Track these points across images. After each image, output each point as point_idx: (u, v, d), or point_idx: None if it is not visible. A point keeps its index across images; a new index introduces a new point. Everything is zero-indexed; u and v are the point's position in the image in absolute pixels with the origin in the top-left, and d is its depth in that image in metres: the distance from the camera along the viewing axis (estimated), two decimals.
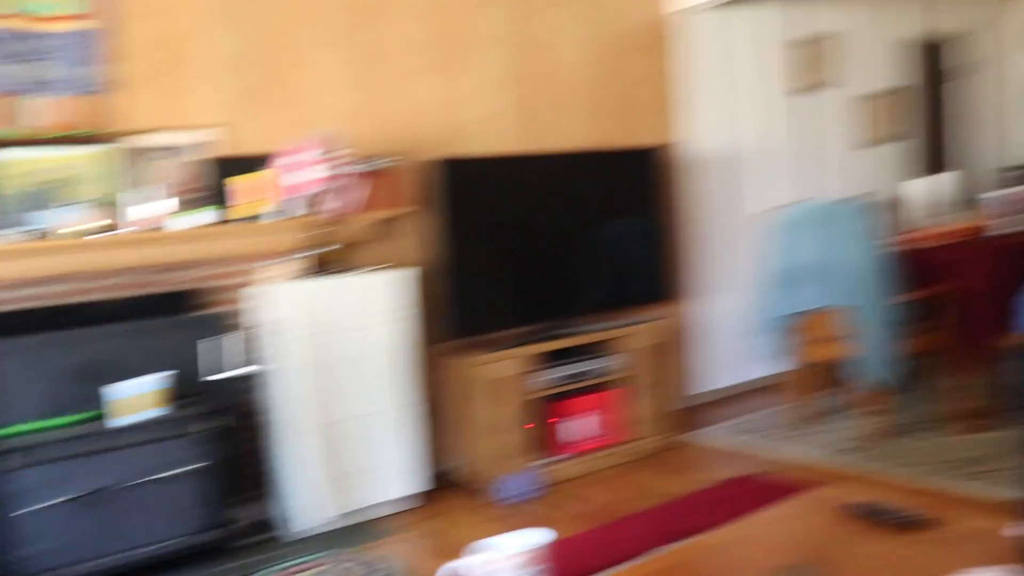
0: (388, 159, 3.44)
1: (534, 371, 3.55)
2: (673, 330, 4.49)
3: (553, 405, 3.68)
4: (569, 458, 3.63)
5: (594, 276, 3.92)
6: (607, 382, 3.75)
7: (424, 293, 3.57)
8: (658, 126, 4.46)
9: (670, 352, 4.46)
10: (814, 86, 5.17)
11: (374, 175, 3.37)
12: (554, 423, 3.68)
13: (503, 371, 3.46)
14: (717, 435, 3.95)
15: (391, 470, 3.26)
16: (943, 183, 4.83)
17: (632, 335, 3.78)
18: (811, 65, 5.14)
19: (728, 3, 4.70)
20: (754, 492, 3.09)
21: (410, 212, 3.57)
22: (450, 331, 3.54)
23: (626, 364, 3.76)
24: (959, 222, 4.35)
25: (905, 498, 2.81)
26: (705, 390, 4.65)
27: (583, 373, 3.67)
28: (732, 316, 4.64)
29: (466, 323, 3.54)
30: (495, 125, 3.93)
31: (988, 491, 2.88)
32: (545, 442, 3.66)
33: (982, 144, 6.27)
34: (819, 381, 4.53)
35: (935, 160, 5.80)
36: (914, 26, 5.82)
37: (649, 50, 4.45)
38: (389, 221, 3.54)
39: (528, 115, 4.04)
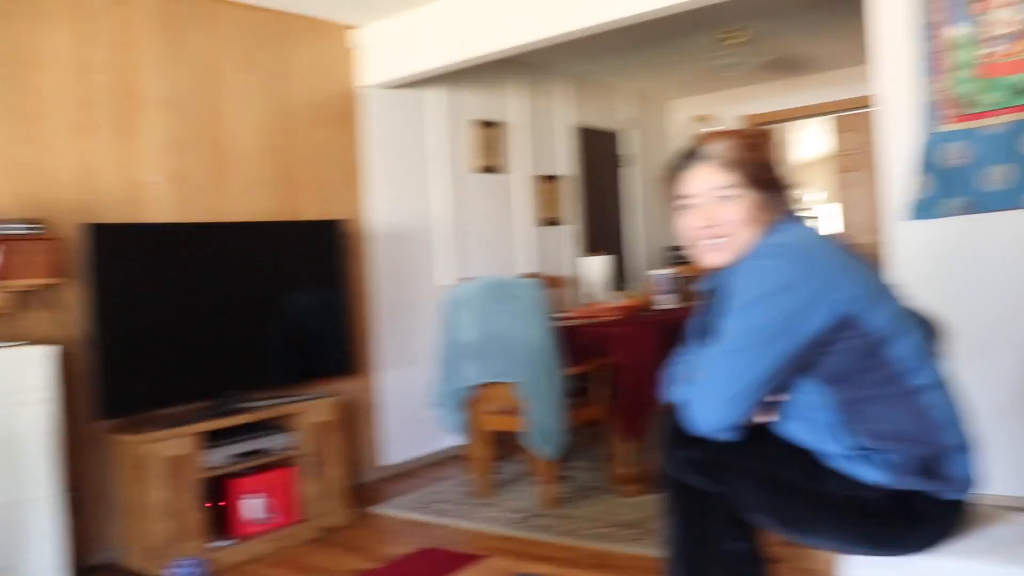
0: (28, 225, 3.07)
1: (206, 449, 3.30)
2: (356, 404, 4.43)
3: (228, 484, 3.44)
4: (247, 539, 3.40)
5: (273, 349, 3.76)
6: (285, 459, 3.59)
7: (73, 369, 3.22)
8: (345, 199, 4.45)
9: (353, 426, 4.39)
10: (497, 166, 5.47)
11: (9, 241, 2.99)
12: (230, 504, 3.44)
13: (173, 450, 3.18)
14: (400, 509, 3.91)
15: (35, 565, 2.83)
16: (612, 262, 5.30)
17: (312, 409, 3.66)
18: (493, 147, 5.45)
19: (416, 83, 4.86)
20: (433, 565, 3.07)
21: (55, 283, 3.20)
22: (100, 409, 3.20)
23: (306, 440, 3.62)
24: (627, 298, 4.74)
25: (571, 564, 2.98)
26: (389, 463, 4.61)
27: (260, 450, 3.48)
28: (416, 389, 4.68)
29: (117, 400, 3.21)
30: (163, 191, 3.69)
31: (646, 551, 3.10)
32: (220, 524, 3.41)
33: (649, 225, 6.98)
34: (497, 452, 4.69)
35: (608, 239, 6.37)
36: (590, 116, 6.40)
37: (338, 122, 4.45)
38: (29, 292, 3.16)
39: (203, 182, 3.83)
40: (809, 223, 1.76)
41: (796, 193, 1.80)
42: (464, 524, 3.62)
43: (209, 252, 3.57)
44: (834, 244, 1.70)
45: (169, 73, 3.75)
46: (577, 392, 3.89)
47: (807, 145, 10.69)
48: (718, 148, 1.76)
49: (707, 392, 1.61)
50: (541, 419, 3.57)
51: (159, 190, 3.67)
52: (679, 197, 1.80)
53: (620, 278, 5.75)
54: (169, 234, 3.48)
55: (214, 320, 3.55)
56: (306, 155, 4.27)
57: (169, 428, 3.22)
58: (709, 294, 1.88)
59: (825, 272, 1.58)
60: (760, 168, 1.73)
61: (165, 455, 3.17)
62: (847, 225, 7.64)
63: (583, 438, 4.91)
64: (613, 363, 3.77)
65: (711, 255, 1.77)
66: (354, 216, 4.49)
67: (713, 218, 1.74)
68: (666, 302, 4.68)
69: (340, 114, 4.47)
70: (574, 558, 3.13)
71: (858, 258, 1.70)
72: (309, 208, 4.25)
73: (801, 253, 1.60)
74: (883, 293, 1.63)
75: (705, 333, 1.77)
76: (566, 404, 3.71)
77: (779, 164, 1.79)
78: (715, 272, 1.87)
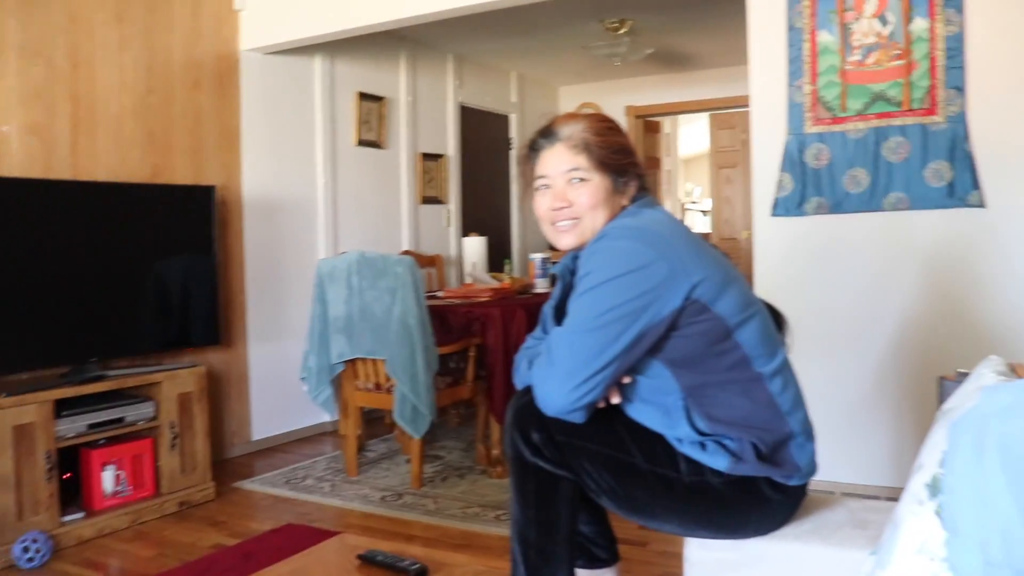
0: None
1: (60, 418, 3.11)
2: (225, 375, 4.29)
3: (83, 455, 3.26)
4: (102, 513, 3.23)
5: (139, 316, 3.58)
6: (146, 430, 3.43)
7: None
8: (222, 165, 4.27)
9: (220, 398, 4.26)
10: (379, 141, 5.38)
11: None
12: (84, 476, 3.26)
13: (21, 417, 2.98)
14: (267, 485, 3.81)
15: None
16: (493, 244, 5.30)
17: (176, 379, 3.51)
18: (377, 121, 5.35)
19: (299, 50, 4.70)
20: (291, 541, 2.99)
21: None
22: None
23: (168, 410, 3.47)
24: (505, 280, 4.75)
25: (432, 543, 2.96)
26: (259, 438, 4.49)
27: (118, 420, 3.31)
28: (289, 363, 4.57)
29: None
30: (18, 144, 3.44)
31: (503, 531, 3.11)
32: (74, 497, 3.23)
33: (532, 208, 7.00)
34: (367, 430, 4.64)
35: (491, 221, 6.36)
36: (478, 97, 6.36)
37: (218, 85, 4.26)
38: None
39: (63, 137, 3.60)
40: (661, 207, 1.78)
41: (648, 179, 1.81)
42: (330, 501, 3.55)
43: (71, 211, 3.36)
44: (686, 229, 1.72)
45: (27, 17, 3.49)
46: (449, 372, 3.88)
47: (691, 141, 11.00)
48: (568, 130, 1.75)
49: (556, 372, 1.60)
50: (410, 398, 3.53)
51: (11, 142, 3.42)
52: (535, 177, 1.80)
53: (500, 260, 5.77)
54: (23, 189, 3.25)
55: (76, 283, 3.35)
56: (182, 117, 4.08)
57: (19, 395, 3.02)
58: (562, 276, 1.88)
59: (678, 254, 1.59)
60: (610, 152, 1.73)
61: (12, 423, 2.97)
62: (722, 220, 7.88)
63: (454, 418, 4.92)
64: (484, 344, 3.76)
65: (563, 237, 1.78)
66: (230, 184, 4.33)
67: (564, 199, 1.75)
68: (545, 285, 4.71)
69: (221, 77, 4.28)
70: (435, 537, 3.11)
71: (708, 245, 1.72)
72: (182, 172, 4.07)
73: (654, 235, 1.60)
74: (733, 279, 1.66)
75: (559, 315, 1.77)
76: (437, 384, 3.69)
77: (630, 150, 1.78)
78: (568, 255, 1.87)
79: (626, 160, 1.75)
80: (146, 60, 3.93)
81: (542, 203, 1.78)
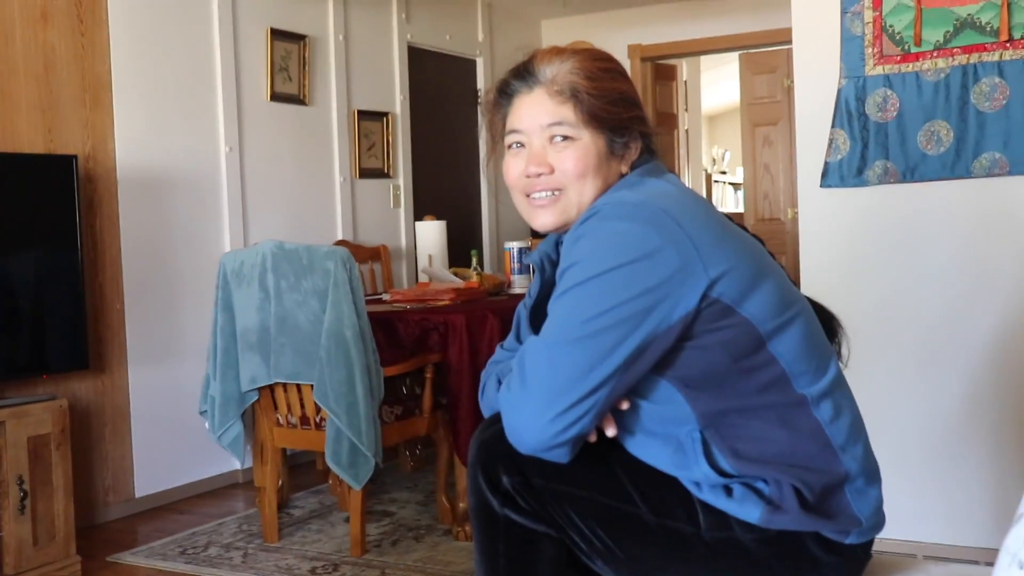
0: None
1: None
2: (95, 410, 4.25)
3: None
4: None
5: None
6: None
7: None
8: (84, 127, 4.23)
9: (88, 442, 4.22)
10: (301, 95, 5.35)
11: None
12: None
13: None
14: (154, 557, 3.78)
15: None
16: (454, 230, 5.28)
17: (23, 418, 3.46)
18: (296, 68, 5.32)
19: None
20: None
21: None
22: None
23: (12, 461, 3.42)
24: (471, 277, 4.73)
25: None
26: (144, 494, 4.46)
27: None
28: (185, 392, 4.54)
29: None
30: None
31: None
32: None
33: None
34: (291, 479, 4.61)
35: (451, 200, 6.35)
36: (432, 36, 6.35)
37: (74, 17, 4.21)
38: None
39: None
40: (671, 176, 1.76)
41: (655, 139, 1.80)
42: None
43: None
44: (705, 204, 1.71)
45: None
46: (399, 400, 3.86)
47: (716, 90, 11.06)
48: (552, 70, 1.73)
49: (531, 397, 1.58)
50: (348, 435, 3.51)
51: None
52: (505, 132, 1.79)
53: (465, 251, 5.75)
54: None
55: None
56: (25, 61, 4.03)
57: None
58: (541, 268, 1.87)
59: (694, 239, 1.57)
60: (606, 102, 1.71)
61: None
62: (760, 195, 7.92)
63: (407, 461, 4.90)
64: (446, 361, 3.75)
65: (539, 214, 1.76)
66: (98, 153, 4.29)
67: (542, 163, 1.73)
68: (524, 283, 4.71)
69: (79, 6, 4.24)
70: None
71: (737, 227, 1.71)
72: (29, 137, 4.02)
73: (660, 213, 1.58)
74: (767, 272, 1.65)
75: (537, 319, 1.75)
76: (383, 415, 3.67)
77: (634, 100, 1.76)
78: (549, 239, 1.85)
79: (628, 113, 1.74)
80: None
81: (514, 167, 1.77)
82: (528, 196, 1.76)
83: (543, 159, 1.73)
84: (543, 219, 1.76)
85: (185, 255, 4.68)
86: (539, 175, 1.73)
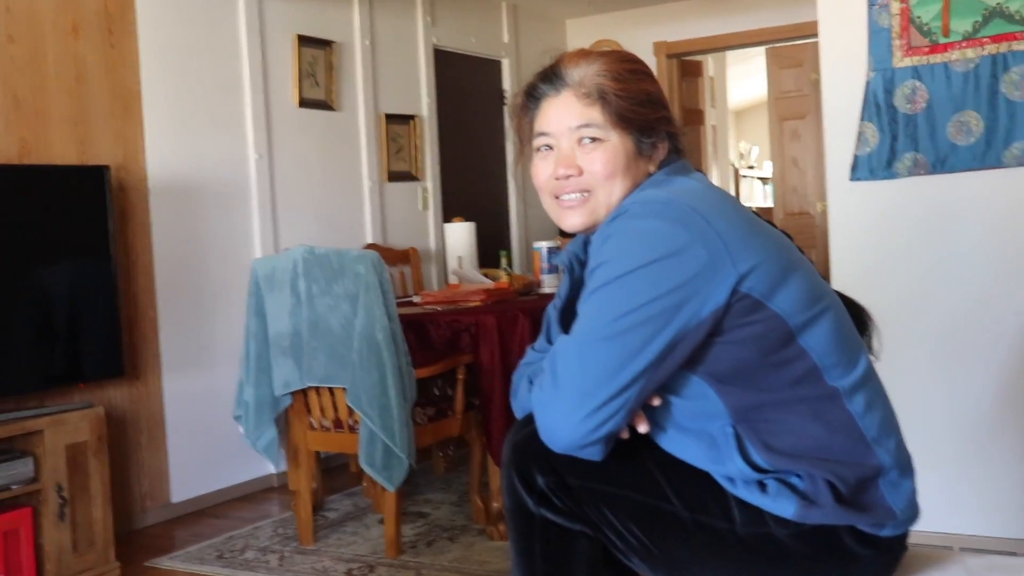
0: None
1: None
2: (131, 418, 4.29)
3: None
4: None
5: (10, 343, 3.57)
6: (19, 496, 3.42)
7: None
8: (116, 137, 4.27)
9: (125, 449, 4.25)
10: (329, 101, 5.38)
11: None
12: None
13: None
14: (192, 561, 3.81)
15: None
16: (483, 231, 5.29)
17: (62, 426, 3.50)
18: (324, 74, 5.35)
19: None
20: None
21: None
22: None
23: (51, 469, 3.46)
24: (501, 278, 4.74)
25: None
26: (180, 499, 4.49)
27: None
28: (219, 398, 4.57)
29: None
30: None
31: None
32: None
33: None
34: (326, 482, 4.64)
35: (479, 202, 6.36)
36: (459, 39, 6.36)
37: (106, 29, 4.26)
38: None
39: None
40: (698, 174, 1.77)
41: (682, 139, 1.81)
42: None
43: None
44: (732, 201, 1.71)
45: None
46: (431, 401, 3.87)
47: (743, 86, 11.01)
48: (579, 73, 1.75)
49: (563, 396, 1.59)
50: (381, 437, 3.53)
51: None
52: (534, 135, 1.80)
53: (495, 252, 5.76)
54: None
55: None
56: (58, 74, 4.07)
57: None
58: (570, 268, 1.88)
59: (722, 235, 1.57)
60: (634, 104, 1.72)
61: None
62: (789, 189, 7.88)
63: (441, 462, 4.91)
64: (477, 363, 3.76)
65: (568, 215, 1.77)
66: (130, 163, 4.33)
67: (571, 165, 1.74)
68: (554, 283, 4.71)
69: (109, 18, 4.28)
70: None
71: (764, 222, 1.71)
72: (62, 149, 4.06)
73: (688, 211, 1.59)
74: (796, 265, 1.65)
75: (567, 319, 1.76)
76: (416, 417, 3.68)
77: (661, 101, 1.77)
78: (577, 239, 1.86)
79: (655, 114, 1.75)
80: None
81: (543, 170, 1.78)
82: (557, 198, 1.77)
83: (572, 161, 1.74)
84: (572, 220, 1.77)
85: (217, 262, 4.71)
86: (568, 177, 1.74)
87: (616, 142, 1.72)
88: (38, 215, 3.70)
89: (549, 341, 1.89)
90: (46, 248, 3.72)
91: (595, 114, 1.72)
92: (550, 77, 1.77)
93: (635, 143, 1.73)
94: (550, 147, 1.77)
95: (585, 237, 1.83)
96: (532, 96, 1.80)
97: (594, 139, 1.72)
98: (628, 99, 1.72)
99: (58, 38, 4.08)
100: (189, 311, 4.56)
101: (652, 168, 1.76)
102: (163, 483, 4.44)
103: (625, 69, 1.75)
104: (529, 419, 1.73)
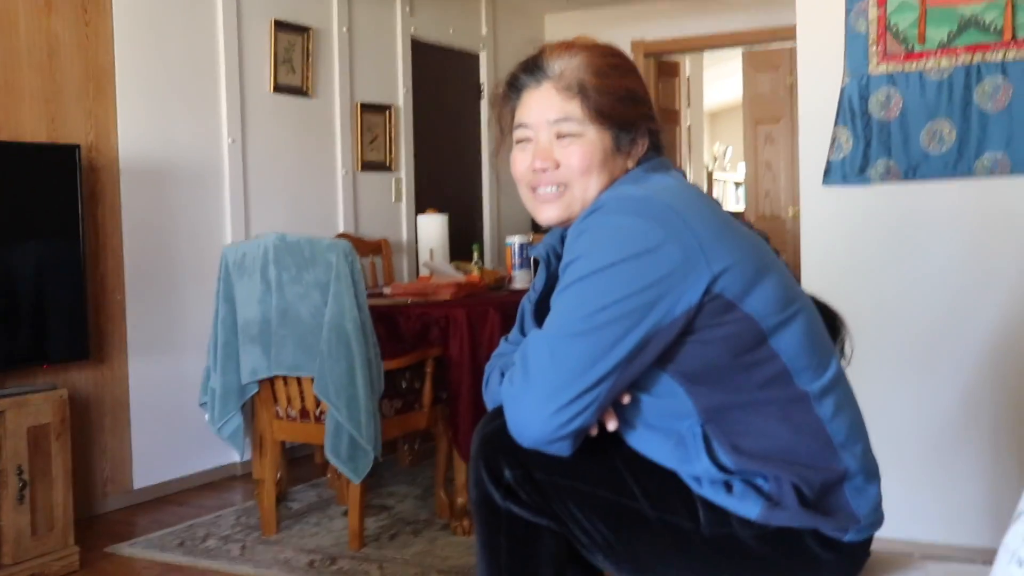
0: None
1: None
2: (95, 401, 4.25)
3: None
4: None
5: None
6: None
7: None
8: (87, 116, 4.23)
9: (88, 433, 4.22)
10: (304, 87, 5.35)
11: None
12: None
13: None
14: (153, 548, 3.78)
15: None
16: (456, 223, 5.28)
17: (23, 408, 3.46)
18: (299, 60, 5.32)
19: None
20: None
21: None
22: None
23: (11, 451, 3.42)
24: (472, 272, 4.74)
25: None
26: (143, 485, 4.46)
27: None
28: (185, 383, 4.54)
29: None
30: None
31: None
32: None
33: (510, 176, 7.00)
34: (290, 471, 4.62)
35: (454, 193, 6.35)
36: (436, 30, 6.34)
37: (78, 5, 4.21)
38: None
39: None
40: (675, 171, 1.77)
41: (662, 135, 1.81)
42: (240, 569, 3.53)
43: None
44: (708, 200, 1.71)
45: None
46: (399, 394, 3.86)
47: (719, 87, 11.04)
48: (560, 65, 1.74)
49: (533, 390, 1.59)
50: (347, 428, 3.52)
51: None
52: (513, 126, 1.80)
53: (467, 245, 5.76)
54: None
55: None
56: (29, 50, 4.03)
57: None
58: (546, 261, 1.88)
59: (697, 234, 1.58)
60: (614, 99, 1.72)
61: None
62: (761, 193, 7.91)
63: (406, 455, 4.91)
64: (446, 356, 3.76)
65: (544, 208, 1.78)
66: (101, 143, 4.29)
67: (548, 158, 1.74)
68: (525, 279, 4.71)
69: None
70: None
71: (738, 223, 1.72)
72: (32, 126, 4.02)
73: (664, 208, 1.59)
74: (769, 267, 1.65)
75: (542, 313, 1.76)
76: (383, 409, 3.68)
77: (642, 97, 1.77)
78: (554, 232, 1.86)
79: (635, 111, 1.75)
80: None
81: (520, 161, 1.79)
82: (534, 190, 1.78)
83: (549, 154, 1.74)
84: (547, 213, 1.77)
85: (187, 246, 4.68)
86: (544, 170, 1.74)
87: (594, 137, 1.72)
88: (6, 193, 3.67)
89: (523, 333, 1.90)
90: (13, 227, 3.68)
91: (574, 108, 1.72)
92: (532, 68, 1.77)
93: (613, 139, 1.73)
94: (528, 139, 1.77)
95: (562, 230, 1.83)
96: (513, 86, 1.80)
97: (572, 134, 1.72)
98: (608, 95, 1.72)
99: (31, 14, 4.04)
100: (157, 295, 4.53)
101: (630, 164, 1.77)
102: (126, 468, 4.41)
103: (607, 64, 1.75)
104: (498, 412, 1.73)
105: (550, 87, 1.74)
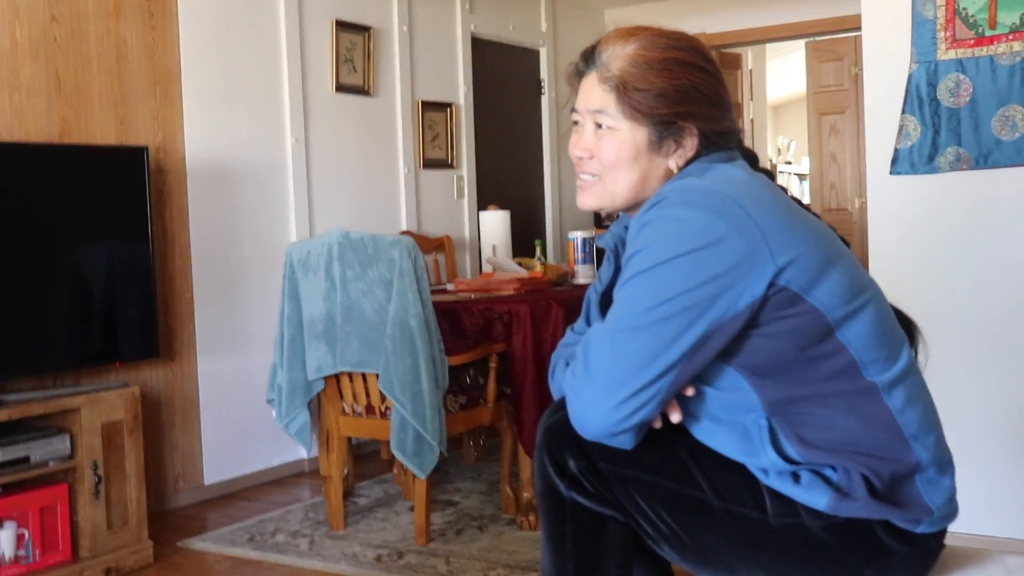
0: None
1: None
2: (166, 399, 4.31)
3: None
4: None
5: (48, 322, 3.60)
6: (56, 473, 3.45)
7: None
8: (155, 119, 4.29)
9: (159, 430, 4.28)
10: (366, 86, 5.38)
11: None
12: None
13: None
14: (223, 543, 3.82)
15: None
16: (518, 219, 5.28)
17: (98, 405, 3.52)
18: (361, 59, 5.35)
19: None
20: None
21: None
22: None
23: (87, 447, 3.48)
24: (536, 267, 4.73)
25: None
26: (213, 481, 4.52)
27: (17, 460, 3.32)
28: (252, 381, 4.59)
29: None
30: None
31: None
32: None
33: (571, 172, 6.99)
34: (357, 467, 4.65)
35: (516, 190, 6.35)
36: (496, 26, 6.35)
37: (146, 10, 4.27)
38: None
39: None
40: (741, 162, 1.74)
41: (733, 126, 1.77)
42: (309, 563, 3.56)
43: None
44: (774, 191, 1.69)
45: None
46: (463, 389, 3.87)
47: (782, 79, 10.92)
48: (608, 54, 1.73)
49: (595, 383, 1.58)
50: (413, 424, 3.53)
51: None
52: (571, 109, 1.81)
53: (529, 241, 5.75)
54: None
55: None
56: (99, 55, 4.10)
57: None
58: (612, 250, 1.87)
59: (761, 226, 1.55)
60: (650, 96, 1.68)
61: None
62: (827, 185, 7.82)
63: (471, 451, 4.91)
64: (510, 351, 3.75)
65: (580, 194, 1.80)
66: (169, 144, 4.35)
67: (585, 148, 1.76)
68: (588, 273, 4.69)
69: (149, 0, 4.30)
70: None
71: (805, 212, 1.69)
72: (102, 129, 4.09)
73: (727, 200, 1.57)
74: (837, 257, 1.63)
75: (607, 303, 1.75)
76: (448, 405, 3.68)
77: (686, 94, 1.69)
78: (619, 222, 1.86)
79: (676, 108, 1.69)
80: None
81: (571, 145, 1.81)
82: (578, 175, 1.80)
83: (588, 143, 1.75)
84: (582, 200, 1.80)
85: (252, 245, 4.73)
86: (582, 158, 1.76)
87: (627, 133, 1.71)
88: (77, 195, 3.73)
89: (588, 323, 1.89)
90: (85, 228, 3.75)
91: (610, 102, 1.71)
92: (588, 54, 1.78)
93: (649, 136, 1.71)
94: (578, 123, 1.79)
95: (627, 220, 1.82)
96: (577, 70, 1.80)
97: (607, 126, 1.73)
98: (644, 92, 1.69)
99: (100, 19, 4.10)
100: (224, 294, 4.58)
101: (672, 164, 1.74)
102: (196, 464, 4.47)
103: (656, 57, 1.70)
104: (562, 403, 1.72)
105: (595, 77, 1.74)
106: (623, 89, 1.69)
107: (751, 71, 8.92)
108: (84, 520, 3.49)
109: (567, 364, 1.81)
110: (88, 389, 3.58)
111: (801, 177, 12.02)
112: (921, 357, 1.84)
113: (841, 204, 7.78)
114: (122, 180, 3.87)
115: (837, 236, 1.72)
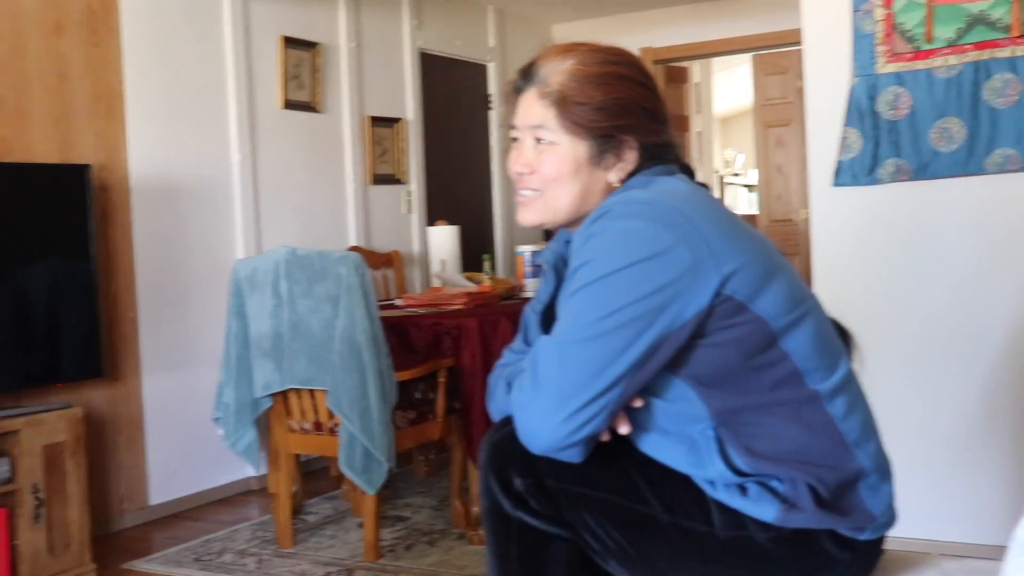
0: None
1: None
2: (109, 419, 4.26)
3: None
4: None
5: None
6: (2, 496, 3.39)
7: None
8: (98, 137, 4.24)
9: (103, 450, 4.22)
10: (313, 103, 5.36)
11: None
12: None
13: None
14: (169, 564, 3.78)
15: None
16: (466, 234, 5.28)
17: (38, 426, 3.47)
18: (309, 75, 5.33)
19: None
20: None
21: None
22: None
23: (27, 469, 3.43)
24: (484, 282, 4.73)
25: None
26: (158, 501, 4.46)
27: None
28: (198, 400, 4.54)
29: None
30: None
31: None
32: None
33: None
34: (305, 485, 4.61)
35: (464, 205, 6.35)
36: (444, 42, 6.35)
37: (89, 28, 4.23)
38: None
39: None
40: (682, 176, 1.75)
41: (674, 140, 1.78)
42: None
43: None
44: (715, 203, 1.70)
45: None
46: (412, 405, 3.86)
47: (729, 92, 11.03)
48: (547, 69, 1.74)
49: (543, 396, 1.57)
50: (361, 440, 3.51)
51: None
52: (509, 125, 1.82)
53: (478, 256, 5.76)
54: None
55: None
56: (40, 73, 4.05)
57: None
58: (552, 267, 1.87)
59: (705, 237, 1.56)
60: (591, 110, 1.69)
61: None
62: (773, 196, 7.90)
63: (421, 466, 4.90)
64: (459, 366, 3.75)
65: (520, 210, 1.80)
66: (112, 162, 4.30)
67: (525, 164, 1.76)
68: (536, 287, 4.69)
69: (92, 17, 4.25)
70: None
71: (745, 225, 1.70)
72: (43, 147, 4.04)
73: (671, 211, 1.58)
74: (778, 268, 1.64)
75: (547, 320, 1.75)
76: (396, 420, 3.67)
77: (628, 107, 1.70)
78: (559, 238, 1.86)
79: (616, 122, 1.70)
80: None
81: (510, 160, 1.81)
82: (519, 191, 1.80)
83: (528, 158, 1.75)
84: (523, 215, 1.80)
85: (198, 263, 4.69)
86: (522, 174, 1.76)
87: (567, 148, 1.71)
88: (18, 214, 3.69)
89: (527, 342, 1.89)
90: (26, 247, 3.70)
91: (550, 116, 1.71)
92: (526, 70, 1.77)
93: (589, 150, 1.71)
94: (516, 139, 1.79)
95: (567, 236, 1.82)
96: (514, 87, 1.80)
97: (547, 141, 1.72)
98: (584, 105, 1.69)
99: (41, 36, 4.05)
100: (170, 312, 4.54)
101: (613, 176, 1.74)
102: (141, 485, 4.41)
103: (595, 72, 1.70)
104: (507, 420, 1.72)
105: (534, 92, 1.73)
106: (563, 103, 1.69)
107: (698, 84, 9.01)
108: (24, 544, 3.43)
109: (508, 384, 1.80)
110: (29, 411, 3.53)
111: (749, 188, 12.14)
112: (856, 365, 1.86)
113: (787, 215, 7.86)
114: (64, 198, 3.83)
115: (775, 249, 1.73)
